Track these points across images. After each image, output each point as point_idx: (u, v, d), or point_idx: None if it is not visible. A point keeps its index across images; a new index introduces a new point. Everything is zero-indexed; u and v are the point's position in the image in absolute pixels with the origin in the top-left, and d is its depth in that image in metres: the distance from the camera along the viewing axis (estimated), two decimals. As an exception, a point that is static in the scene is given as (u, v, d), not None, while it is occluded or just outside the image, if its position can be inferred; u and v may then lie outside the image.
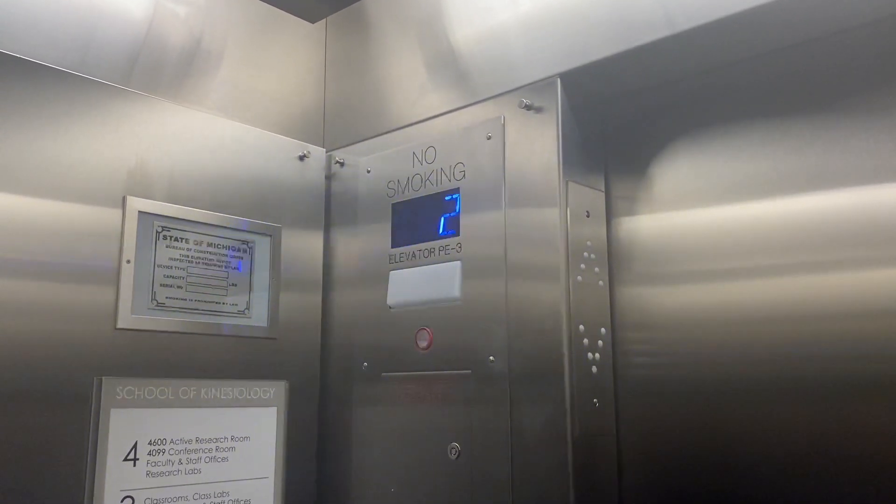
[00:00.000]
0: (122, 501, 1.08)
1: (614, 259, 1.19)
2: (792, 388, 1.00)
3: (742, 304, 1.06)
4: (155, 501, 1.11)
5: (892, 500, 0.92)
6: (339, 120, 1.49)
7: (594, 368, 1.10)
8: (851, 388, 0.96)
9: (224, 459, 1.19)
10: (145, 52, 1.27)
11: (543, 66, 1.14)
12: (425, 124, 1.32)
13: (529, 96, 1.15)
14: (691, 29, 1.00)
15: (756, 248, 1.05)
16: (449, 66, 1.30)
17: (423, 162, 1.29)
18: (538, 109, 1.14)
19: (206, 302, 1.24)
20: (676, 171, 1.16)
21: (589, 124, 1.18)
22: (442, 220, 1.24)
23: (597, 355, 1.11)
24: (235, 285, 1.28)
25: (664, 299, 1.14)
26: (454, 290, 1.19)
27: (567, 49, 1.12)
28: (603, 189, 1.21)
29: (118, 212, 1.15)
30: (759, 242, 1.05)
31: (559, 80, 1.12)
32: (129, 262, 1.15)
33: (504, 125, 1.18)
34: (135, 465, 1.10)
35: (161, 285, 1.19)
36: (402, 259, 1.29)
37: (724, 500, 1.05)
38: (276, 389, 1.27)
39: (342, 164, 1.44)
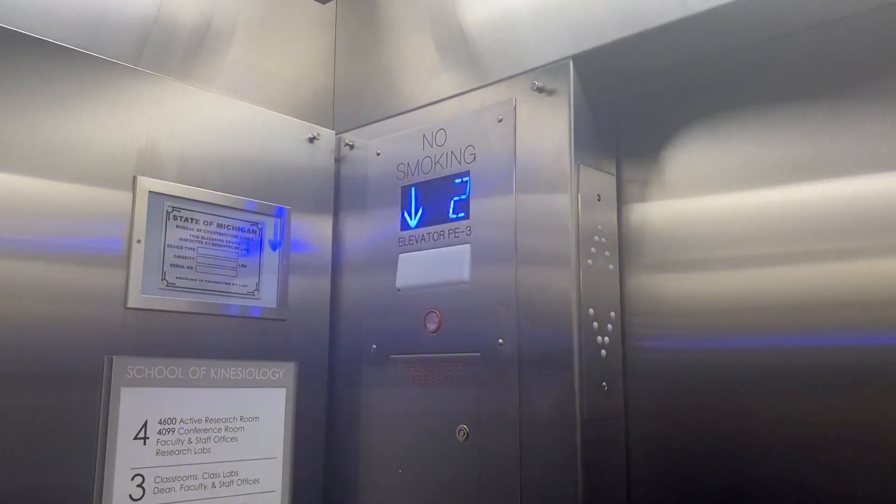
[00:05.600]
0: (132, 479, 1.09)
1: (625, 243, 1.19)
2: (801, 375, 1.00)
3: (753, 292, 1.05)
4: (164, 480, 1.12)
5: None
6: (348, 102, 1.49)
7: (603, 352, 1.10)
8: (861, 377, 0.95)
9: (233, 439, 1.20)
10: (156, 31, 1.26)
11: (556, 48, 1.14)
12: (436, 107, 1.31)
13: (541, 79, 1.14)
14: (705, 11, 0.99)
15: (768, 236, 1.05)
16: (460, 47, 1.29)
17: (434, 145, 1.28)
18: (550, 92, 1.13)
19: (215, 283, 1.24)
20: (689, 155, 1.15)
21: (601, 107, 1.18)
22: (452, 203, 1.24)
23: (606, 339, 1.11)
24: (245, 266, 1.28)
25: (674, 283, 1.13)
26: (463, 272, 1.19)
27: (579, 31, 1.11)
28: (614, 173, 1.20)
29: (128, 191, 1.15)
30: (772, 229, 1.04)
31: (571, 63, 1.11)
32: (139, 241, 1.15)
33: (515, 108, 1.17)
34: (145, 443, 1.11)
35: (171, 265, 1.19)
36: (411, 242, 1.29)
37: (731, 483, 1.05)
38: (285, 370, 1.28)
39: (352, 147, 1.44)
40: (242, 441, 1.21)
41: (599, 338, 1.10)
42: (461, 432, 1.15)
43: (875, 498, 0.93)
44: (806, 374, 1.00)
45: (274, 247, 1.32)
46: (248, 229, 1.29)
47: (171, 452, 1.13)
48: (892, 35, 0.98)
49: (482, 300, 1.16)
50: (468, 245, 1.20)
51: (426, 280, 1.24)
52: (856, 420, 0.95)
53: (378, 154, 1.38)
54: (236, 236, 1.28)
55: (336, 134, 1.46)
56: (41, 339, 1.04)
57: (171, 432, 1.13)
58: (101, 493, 1.06)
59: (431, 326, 1.23)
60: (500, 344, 1.13)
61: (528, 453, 1.08)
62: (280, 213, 1.34)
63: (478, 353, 1.15)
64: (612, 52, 1.10)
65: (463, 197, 1.22)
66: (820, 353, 0.99)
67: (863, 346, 0.95)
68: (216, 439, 1.18)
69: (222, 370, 1.20)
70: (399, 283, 1.28)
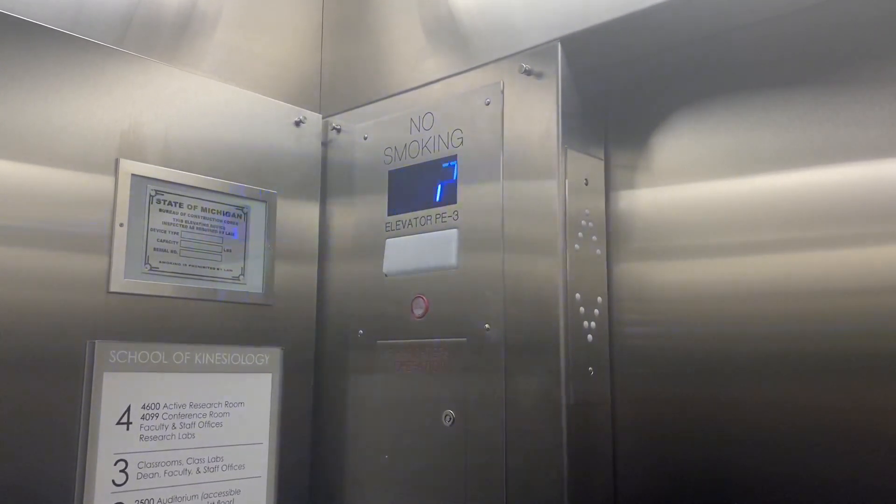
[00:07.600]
0: (115, 465, 1.08)
1: (612, 228, 1.18)
2: (786, 362, 1.00)
3: (741, 278, 1.04)
4: (148, 465, 1.11)
5: (890, 475, 0.91)
6: (335, 85, 1.47)
7: (590, 337, 1.10)
8: (846, 364, 0.95)
9: (218, 425, 1.19)
10: (140, 12, 1.25)
11: (544, 29, 1.12)
12: (423, 90, 1.30)
13: (529, 61, 1.13)
14: (695, -8, 0.98)
15: (757, 222, 1.04)
16: (448, 29, 1.27)
17: (421, 128, 1.27)
18: (538, 75, 1.12)
19: (200, 267, 1.23)
20: (678, 140, 1.14)
21: (590, 91, 1.16)
22: (439, 187, 1.23)
23: (593, 324, 1.10)
24: (230, 251, 1.27)
25: (662, 268, 1.13)
26: (451, 257, 1.18)
27: (568, 12, 1.10)
28: (602, 157, 1.19)
29: (111, 174, 1.13)
30: (761, 216, 1.04)
31: (560, 45, 1.10)
32: (121, 225, 1.13)
33: (503, 91, 1.16)
34: (128, 428, 1.10)
35: (154, 249, 1.17)
36: (398, 227, 1.28)
37: (717, 469, 1.05)
38: (270, 356, 1.27)
39: (339, 131, 1.42)
40: (227, 426, 1.20)
41: (586, 323, 1.09)
42: (447, 417, 1.15)
43: (861, 482, 0.93)
44: (791, 360, 0.99)
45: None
46: (234, 213, 1.28)
47: (155, 438, 1.12)
48: (882, 19, 0.97)
49: (469, 285, 1.16)
50: (455, 230, 1.19)
51: (413, 265, 1.23)
52: (842, 406, 0.95)
53: (365, 138, 1.37)
54: (221, 220, 1.26)
55: (323, 117, 1.45)
56: (22, 324, 1.02)
57: (154, 417, 1.12)
58: (84, 479, 1.05)
59: (418, 312, 1.22)
60: (487, 329, 1.12)
61: (515, 438, 1.07)
62: (266, 198, 1.32)
63: (464, 339, 1.15)
64: (601, 34, 1.08)
65: (450, 181, 1.21)
66: (806, 340, 0.98)
67: (849, 333, 0.95)
68: (201, 425, 1.17)
69: (207, 355, 1.19)
70: (386, 268, 1.27)
